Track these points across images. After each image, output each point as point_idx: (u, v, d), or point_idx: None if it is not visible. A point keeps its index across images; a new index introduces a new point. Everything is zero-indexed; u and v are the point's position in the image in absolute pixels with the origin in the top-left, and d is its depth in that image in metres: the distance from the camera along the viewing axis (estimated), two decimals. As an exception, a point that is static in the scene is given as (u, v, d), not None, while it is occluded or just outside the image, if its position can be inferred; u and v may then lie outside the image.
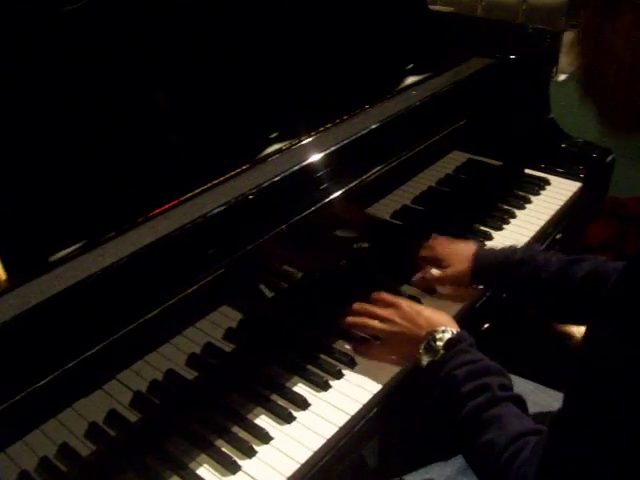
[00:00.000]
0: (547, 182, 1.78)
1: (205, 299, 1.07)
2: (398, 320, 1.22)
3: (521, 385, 1.27)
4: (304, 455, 1.04)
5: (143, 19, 1.24)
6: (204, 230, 1.06)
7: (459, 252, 1.42)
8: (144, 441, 1.07)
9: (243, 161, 1.22)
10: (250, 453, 1.05)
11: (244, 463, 1.04)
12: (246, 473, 1.02)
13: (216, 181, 1.16)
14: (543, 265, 1.32)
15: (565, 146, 1.87)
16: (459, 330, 1.16)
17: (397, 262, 1.49)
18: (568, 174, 1.80)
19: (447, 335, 1.14)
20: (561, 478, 0.82)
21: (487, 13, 6.20)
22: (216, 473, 1.03)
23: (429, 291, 1.41)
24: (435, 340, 1.13)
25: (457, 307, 1.38)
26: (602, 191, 1.83)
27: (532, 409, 1.08)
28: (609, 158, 1.84)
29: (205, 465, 1.04)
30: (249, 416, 1.12)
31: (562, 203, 1.69)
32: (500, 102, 1.72)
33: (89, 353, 0.90)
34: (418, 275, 1.43)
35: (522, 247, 1.43)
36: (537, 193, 1.74)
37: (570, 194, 1.72)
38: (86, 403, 0.94)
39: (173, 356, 1.07)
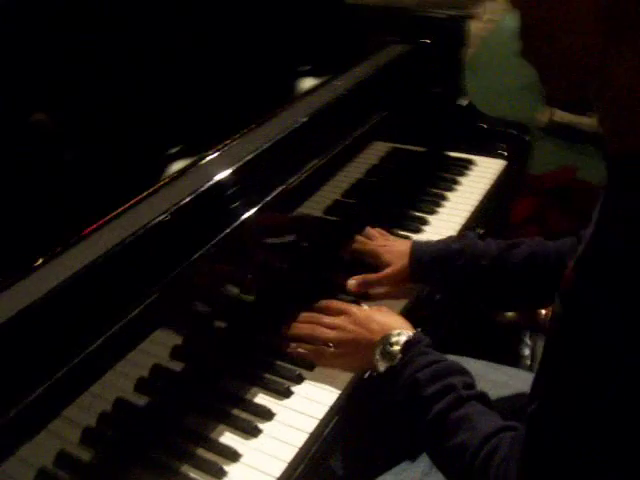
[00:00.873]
0: (472, 163, 1.79)
1: (143, 323, 1.00)
2: (350, 327, 1.19)
3: (474, 365, 1.25)
4: (279, 468, 0.99)
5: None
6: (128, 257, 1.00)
7: (395, 249, 1.39)
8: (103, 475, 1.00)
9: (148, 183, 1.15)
10: (220, 475, 0.99)
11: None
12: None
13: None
14: (482, 252, 1.31)
15: (485, 126, 1.88)
16: (414, 331, 1.14)
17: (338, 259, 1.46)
18: (491, 153, 1.82)
19: (403, 338, 1.10)
20: (545, 470, 0.80)
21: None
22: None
23: (364, 296, 1.36)
24: (391, 344, 1.10)
25: (402, 304, 1.35)
26: (524, 167, 1.86)
27: (488, 387, 1.07)
28: (528, 134, 1.87)
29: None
30: (212, 435, 1.06)
31: (491, 181, 1.70)
32: (417, 89, 1.72)
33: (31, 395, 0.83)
34: (352, 281, 1.37)
35: (459, 237, 1.42)
36: (464, 174, 1.74)
37: (496, 172, 1.74)
38: (31, 447, 0.86)
39: (119, 383, 1.00)
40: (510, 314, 2.41)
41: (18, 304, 0.86)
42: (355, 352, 1.17)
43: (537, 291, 1.32)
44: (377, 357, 1.11)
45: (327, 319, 1.23)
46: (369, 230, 1.47)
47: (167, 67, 1.31)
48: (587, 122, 5.05)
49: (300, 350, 1.21)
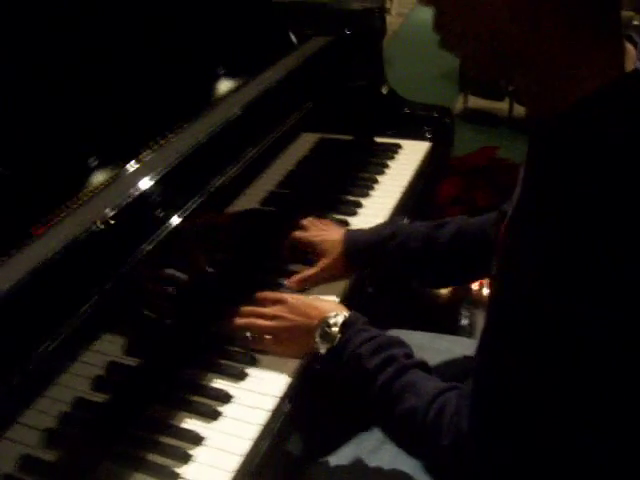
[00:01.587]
0: (399, 146, 1.86)
1: (88, 326, 1.00)
2: (287, 315, 1.23)
3: (416, 336, 1.32)
4: (244, 447, 1.03)
5: None
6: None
7: (329, 238, 1.43)
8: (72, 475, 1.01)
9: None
10: (186, 458, 1.02)
11: (182, 470, 1.01)
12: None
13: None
14: (412, 234, 1.37)
15: (408, 111, 1.96)
16: (350, 312, 1.19)
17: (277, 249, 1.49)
18: (416, 136, 1.90)
19: (340, 319, 1.16)
20: (494, 417, 0.86)
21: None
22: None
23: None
24: (329, 326, 1.15)
25: (342, 286, 1.39)
26: (448, 147, 1.95)
27: (432, 355, 1.15)
28: (449, 116, 1.96)
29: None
30: (174, 422, 1.09)
31: (418, 162, 1.78)
32: (341, 79, 1.78)
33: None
34: (292, 281, 1.40)
35: (388, 222, 1.48)
36: (392, 158, 1.81)
37: (423, 153, 1.82)
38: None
39: (76, 384, 1.01)
40: (444, 292, 2.51)
41: None
42: (295, 338, 1.21)
43: (467, 265, 1.40)
44: (317, 340, 1.16)
45: (264, 310, 1.26)
46: (302, 221, 1.51)
47: (80, 74, 1.28)
48: (500, 107, 5.23)
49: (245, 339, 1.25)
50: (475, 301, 2.13)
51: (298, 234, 1.48)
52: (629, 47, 0.81)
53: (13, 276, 0.90)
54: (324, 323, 1.16)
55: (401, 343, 1.12)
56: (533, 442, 0.82)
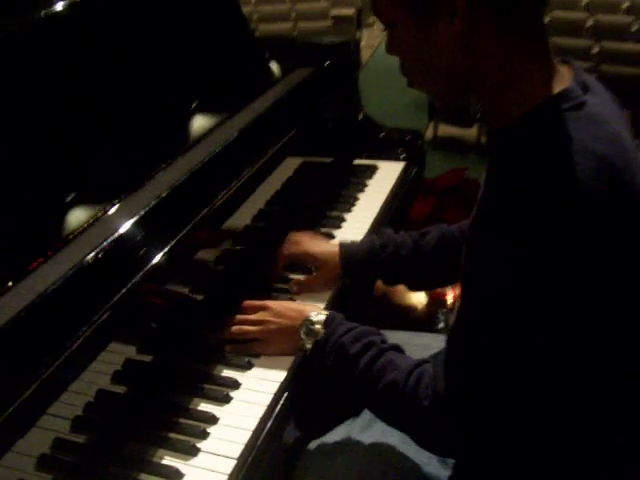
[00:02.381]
0: (376, 167, 2.04)
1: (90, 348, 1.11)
2: (271, 319, 1.36)
3: (397, 335, 1.47)
4: (245, 436, 1.16)
5: None
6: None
7: (325, 249, 1.57)
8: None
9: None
10: (204, 435, 1.16)
11: (201, 444, 1.15)
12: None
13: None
14: (401, 243, 1.53)
15: (383, 135, 2.13)
16: (329, 311, 1.34)
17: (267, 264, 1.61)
18: (391, 157, 2.07)
19: (322, 317, 1.31)
20: (466, 376, 1.03)
21: (261, 21, 6.88)
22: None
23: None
24: (313, 324, 1.30)
25: (326, 296, 1.53)
26: (420, 167, 2.12)
27: (413, 351, 1.28)
28: (420, 139, 2.14)
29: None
30: (190, 405, 1.23)
31: (393, 180, 1.95)
32: (321, 107, 1.95)
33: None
34: (295, 286, 1.54)
35: (378, 234, 1.62)
36: (371, 177, 1.99)
37: (398, 173, 1.99)
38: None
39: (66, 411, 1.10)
40: (420, 307, 2.67)
41: None
42: (282, 338, 1.35)
43: (451, 267, 1.56)
44: (303, 337, 1.31)
45: (250, 317, 1.39)
46: (296, 235, 1.62)
47: (60, 114, 1.36)
48: (469, 134, 5.44)
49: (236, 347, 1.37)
50: (449, 308, 2.30)
51: (294, 249, 1.59)
52: (564, 69, 1.00)
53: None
54: (307, 321, 1.31)
55: (376, 332, 1.27)
56: (498, 393, 1.00)
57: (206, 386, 1.27)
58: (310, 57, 1.96)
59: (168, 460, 1.12)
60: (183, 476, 1.09)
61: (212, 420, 1.18)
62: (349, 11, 8.19)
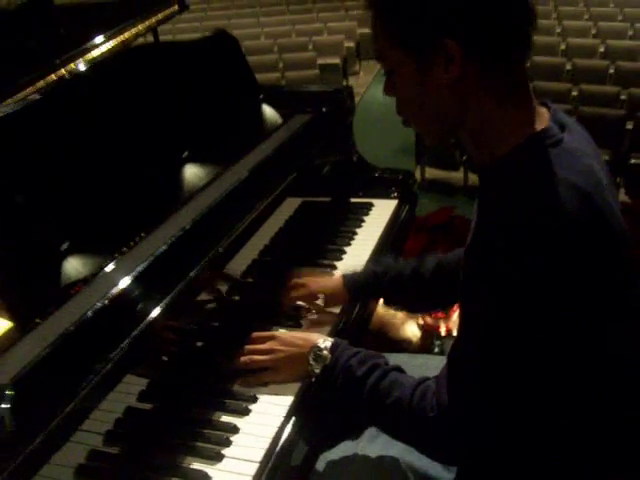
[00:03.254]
0: (371, 204, 2.18)
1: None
2: (280, 347, 1.45)
3: (396, 357, 1.57)
4: (259, 453, 1.27)
5: None
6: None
7: (328, 284, 1.70)
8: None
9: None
10: (228, 443, 1.28)
11: (225, 451, 1.26)
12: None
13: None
14: (401, 269, 1.67)
15: (377, 174, 2.28)
16: (334, 338, 1.45)
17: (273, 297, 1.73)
18: (385, 196, 2.22)
19: (328, 343, 1.40)
20: (467, 385, 1.13)
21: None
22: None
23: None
24: (320, 350, 1.39)
25: (328, 328, 1.64)
26: (412, 204, 2.26)
27: (413, 370, 1.37)
28: (411, 178, 2.29)
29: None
30: (214, 417, 1.35)
31: (389, 216, 2.09)
32: (319, 149, 2.09)
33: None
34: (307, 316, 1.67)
35: (378, 262, 1.75)
36: (367, 214, 2.13)
37: (392, 209, 2.14)
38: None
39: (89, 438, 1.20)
40: (415, 339, 2.79)
41: None
42: (290, 365, 1.44)
43: (449, 290, 1.66)
44: (311, 363, 1.39)
45: (260, 346, 1.48)
46: (300, 280, 1.73)
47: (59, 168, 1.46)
48: (456, 176, 5.59)
49: (247, 379, 1.47)
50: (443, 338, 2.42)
51: (301, 290, 1.70)
52: (543, 110, 1.14)
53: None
54: (315, 348, 1.39)
55: (379, 355, 1.38)
56: (498, 400, 1.11)
57: (227, 400, 1.39)
58: (307, 104, 2.11)
59: (196, 465, 1.23)
60: (210, 478, 1.20)
61: (234, 429, 1.31)
62: (335, 60, 8.45)
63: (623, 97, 5.80)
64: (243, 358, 1.48)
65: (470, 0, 1.03)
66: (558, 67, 6.68)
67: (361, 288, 1.69)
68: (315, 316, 1.68)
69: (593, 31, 8.02)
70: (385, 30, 1.12)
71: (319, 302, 1.70)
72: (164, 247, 1.40)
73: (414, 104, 1.16)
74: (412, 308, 1.86)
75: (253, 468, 1.22)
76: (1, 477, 0.99)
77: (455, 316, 2.71)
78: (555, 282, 1.01)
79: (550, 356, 1.07)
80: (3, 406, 0.96)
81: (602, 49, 7.27)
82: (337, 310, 1.70)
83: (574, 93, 5.93)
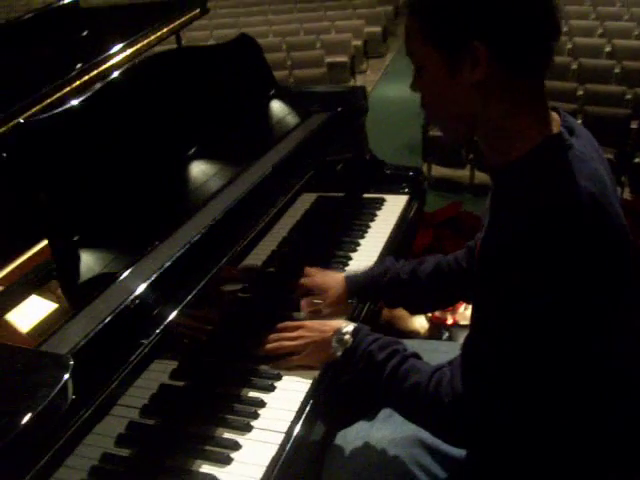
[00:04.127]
0: (383, 200, 2.28)
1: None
2: (307, 334, 1.56)
3: (410, 343, 1.66)
4: (285, 425, 1.38)
5: None
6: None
7: (332, 281, 1.78)
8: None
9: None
10: (256, 415, 1.39)
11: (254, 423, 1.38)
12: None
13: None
14: (400, 270, 1.75)
15: (388, 172, 2.38)
16: (356, 323, 1.54)
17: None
18: (397, 191, 2.33)
19: (350, 328, 1.49)
20: (480, 374, 1.22)
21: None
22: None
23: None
24: (343, 335, 1.48)
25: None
26: (422, 199, 2.37)
27: (427, 355, 1.45)
28: (421, 174, 2.39)
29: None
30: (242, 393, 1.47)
31: (400, 211, 2.20)
32: (335, 147, 2.19)
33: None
34: (305, 308, 1.75)
35: (379, 262, 1.84)
36: (379, 208, 2.23)
37: (403, 204, 2.24)
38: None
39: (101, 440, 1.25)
40: (423, 331, 2.88)
41: None
42: (316, 350, 1.53)
43: (445, 292, 1.78)
44: (334, 345, 1.48)
45: (290, 334, 1.59)
46: (308, 270, 1.84)
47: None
48: (462, 174, 5.66)
49: (277, 363, 1.57)
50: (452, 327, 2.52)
51: (307, 280, 1.81)
52: (554, 115, 1.23)
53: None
54: (339, 333, 1.49)
55: (398, 341, 1.47)
56: (510, 389, 1.19)
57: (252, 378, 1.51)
58: (324, 104, 2.22)
59: (227, 435, 1.35)
60: (241, 447, 1.32)
61: (261, 403, 1.43)
62: (343, 58, 8.53)
63: (628, 97, 5.86)
64: (272, 345, 1.58)
65: (501, 7, 1.11)
66: (564, 66, 6.74)
67: (359, 287, 1.76)
68: (328, 310, 1.75)
69: (599, 31, 8.07)
70: (419, 28, 1.19)
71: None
72: (198, 236, 1.51)
73: (438, 101, 1.24)
74: (411, 309, 1.94)
75: (279, 438, 1.33)
76: (57, 445, 1.08)
77: (462, 308, 2.81)
78: (567, 280, 1.09)
79: (560, 349, 1.15)
80: (66, 376, 1.06)
81: (608, 49, 7.33)
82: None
83: (580, 92, 6.00)
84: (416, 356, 1.41)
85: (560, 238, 1.08)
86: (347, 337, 1.48)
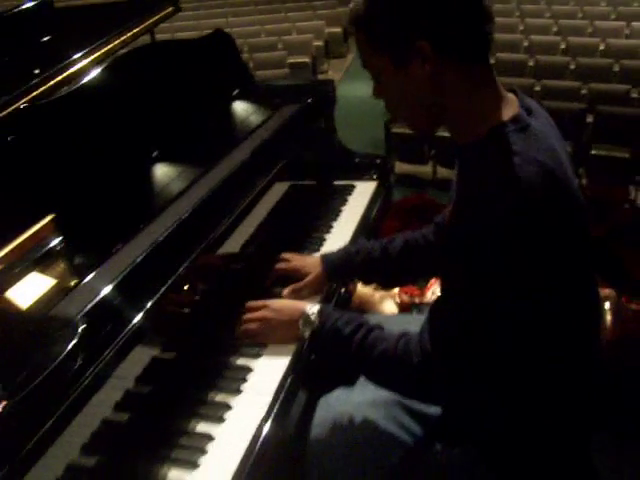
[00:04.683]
0: (353, 186, 2.38)
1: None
2: (271, 315, 1.61)
3: (376, 318, 1.76)
4: (272, 388, 1.47)
5: None
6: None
7: (309, 262, 1.87)
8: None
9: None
10: (238, 391, 1.47)
11: (233, 401, 1.45)
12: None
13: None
14: (371, 250, 1.85)
15: (357, 160, 2.49)
16: (320, 304, 1.61)
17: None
18: (365, 178, 2.43)
19: (315, 308, 1.56)
20: (450, 334, 1.30)
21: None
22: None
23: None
24: (309, 315, 1.55)
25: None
26: (390, 185, 2.48)
27: (394, 328, 1.49)
28: (388, 162, 2.50)
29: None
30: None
31: (369, 196, 2.30)
32: (305, 137, 2.29)
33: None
34: (286, 290, 1.80)
35: (353, 243, 1.93)
36: (350, 194, 2.33)
37: (372, 189, 2.35)
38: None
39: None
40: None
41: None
42: (282, 329, 1.60)
43: (414, 267, 1.90)
44: (301, 327, 1.55)
45: (253, 315, 1.63)
46: (285, 255, 1.92)
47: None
48: (425, 170, 5.78)
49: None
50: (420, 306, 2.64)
51: (285, 265, 1.89)
52: (511, 96, 1.32)
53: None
54: (304, 313, 1.55)
55: (361, 316, 1.56)
56: (477, 347, 1.27)
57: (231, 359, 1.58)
58: (295, 96, 2.31)
59: (219, 398, 1.45)
60: (231, 408, 1.41)
61: (243, 379, 1.51)
62: (305, 59, 8.63)
63: (584, 92, 6.07)
64: (240, 328, 1.65)
65: (434, 7, 1.22)
66: (521, 63, 6.93)
67: (336, 267, 1.85)
68: (307, 291, 1.81)
69: (554, 29, 8.30)
70: (366, 40, 1.30)
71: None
72: (174, 226, 1.57)
73: (401, 100, 1.34)
74: (384, 284, 2.03)
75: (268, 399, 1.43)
76: (62, 408, 1.13)
77: (429, 294, 2.92)
78: (528, 248, 1.15)
79: (523, 316, 1.22)
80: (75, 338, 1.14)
81: (563, 46, 7.54)
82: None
83: (537, 88, 6.18)
84: (380, 328, 1.49)
85: (518, 210, 1.15)
86: (313, 318, 1.55)
